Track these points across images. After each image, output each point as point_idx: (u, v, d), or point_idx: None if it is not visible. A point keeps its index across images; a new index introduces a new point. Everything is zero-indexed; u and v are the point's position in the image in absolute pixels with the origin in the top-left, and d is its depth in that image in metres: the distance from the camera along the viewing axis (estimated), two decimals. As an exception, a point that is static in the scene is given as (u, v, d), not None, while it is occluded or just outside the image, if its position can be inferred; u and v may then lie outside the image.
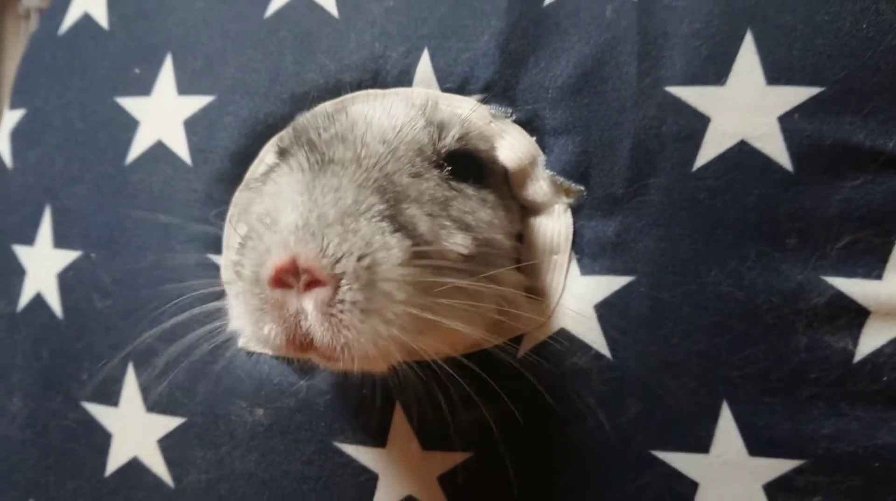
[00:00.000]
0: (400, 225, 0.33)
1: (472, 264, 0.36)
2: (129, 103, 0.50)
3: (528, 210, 0.43)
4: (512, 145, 0.42)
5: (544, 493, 0.40)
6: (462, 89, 0.43)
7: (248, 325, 0.32)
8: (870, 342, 0.38)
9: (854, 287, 0.38)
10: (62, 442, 0.48)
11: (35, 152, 0.53)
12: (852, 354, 0.38)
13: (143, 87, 0.49)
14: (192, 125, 0.47)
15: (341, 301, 0.30)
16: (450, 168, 0.38)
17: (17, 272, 0.52)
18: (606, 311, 0.40)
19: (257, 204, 0.36)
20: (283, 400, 0.43)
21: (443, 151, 0.39)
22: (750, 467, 0.39)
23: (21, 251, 0.52)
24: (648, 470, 0.39)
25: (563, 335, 0.41)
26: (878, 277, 0.39)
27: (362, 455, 0.42)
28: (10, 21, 1.41)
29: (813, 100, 0.39)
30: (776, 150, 0.39)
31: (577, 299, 0.41)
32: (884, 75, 0.39)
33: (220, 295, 0.39)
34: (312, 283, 0.31)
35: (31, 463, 0.49)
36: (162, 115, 0.48)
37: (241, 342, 0.42)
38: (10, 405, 0.51)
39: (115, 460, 0.47)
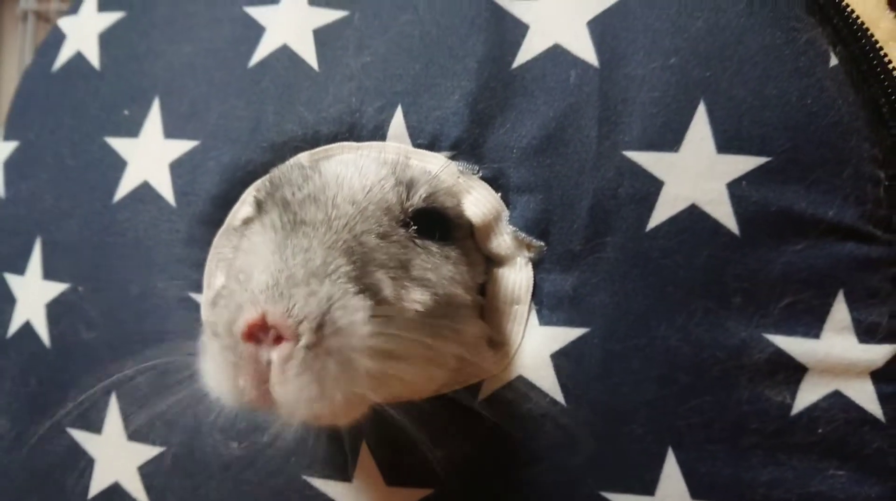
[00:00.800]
0: (364, 286, 0.35)
1: (433, 318, 0.38)
2: (118, 144, 0.52)
3: (492, 261, 0.45)
4: (478, 201, 0.44)
5: (500, 528, 0.43)
6: (432, 146, 0.45)
7: (222, 381, 0.34)
8: (806, 396, 0.41)
9: (793, 345, 0.41)
10: (47, 466, 0.51)
11: (27, 185, 0.55)
12: (790, 407, 0.41)
13: (132, 128, 0.51)
14: (177, 168, 0.49)
15: (301, 359, 0.32)
16: (415, 227, 0.40)
17: (7, 300, 0.54)
18: (562, 360, 0.42)
19: (234, 260, 0.38)
20: (255, 435, 0.45)
21: (410, 210, 0.40)
22: (693, 509, 0.41)
23: (12, 280, 0.54)
24: (597, 510, 0.42)
25: (521, 381, 0.43)
26: (816, 336, 0.41)
27: (330, 488, 0.44)
28: (8, 23, 1.41)
29: (760, 169, 0.41)
30: (724, 214, 0.41)
31: (535, 348, 0.43)
32: (826, 149, 0.41)
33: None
34: (280, 337, 0.32)
35: (17, 485, 0.52)
36: (149, 157, 0.50)
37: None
38: (-2, 427, 0.53)
39: (98, 484, 0.49)
